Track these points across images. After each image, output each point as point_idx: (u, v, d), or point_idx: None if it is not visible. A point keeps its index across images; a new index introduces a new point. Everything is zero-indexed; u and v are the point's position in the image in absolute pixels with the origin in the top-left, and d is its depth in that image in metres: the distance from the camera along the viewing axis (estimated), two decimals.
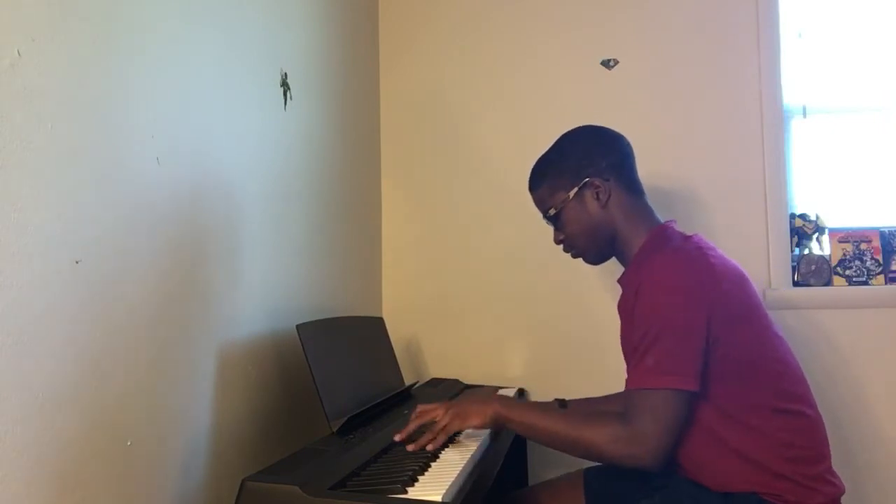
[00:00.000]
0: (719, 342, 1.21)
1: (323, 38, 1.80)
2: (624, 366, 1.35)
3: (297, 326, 1.33)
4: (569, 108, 2.08)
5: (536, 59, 2.12)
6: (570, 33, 2.11)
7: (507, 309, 2.10)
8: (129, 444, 1.03)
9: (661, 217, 1.44)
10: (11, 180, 0.82)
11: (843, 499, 1.27)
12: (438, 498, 0.98)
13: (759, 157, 1.99)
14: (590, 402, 1.65)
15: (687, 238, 1.36)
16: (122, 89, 1.02)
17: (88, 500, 0.94)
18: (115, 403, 1.00)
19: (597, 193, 1.39)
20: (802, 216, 2.01)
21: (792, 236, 1.99)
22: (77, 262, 0.92)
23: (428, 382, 1.98)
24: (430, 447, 1.23)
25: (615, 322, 1.44)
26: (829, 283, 1.96)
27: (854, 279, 1.96)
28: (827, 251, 1.99)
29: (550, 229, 1.49)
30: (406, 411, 1.46)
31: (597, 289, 2.02)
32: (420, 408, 1.33)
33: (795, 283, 1.98)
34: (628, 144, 1.46)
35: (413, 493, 1.01)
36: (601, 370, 1.91)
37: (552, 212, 1.44)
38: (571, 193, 1.41)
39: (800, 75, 2.05)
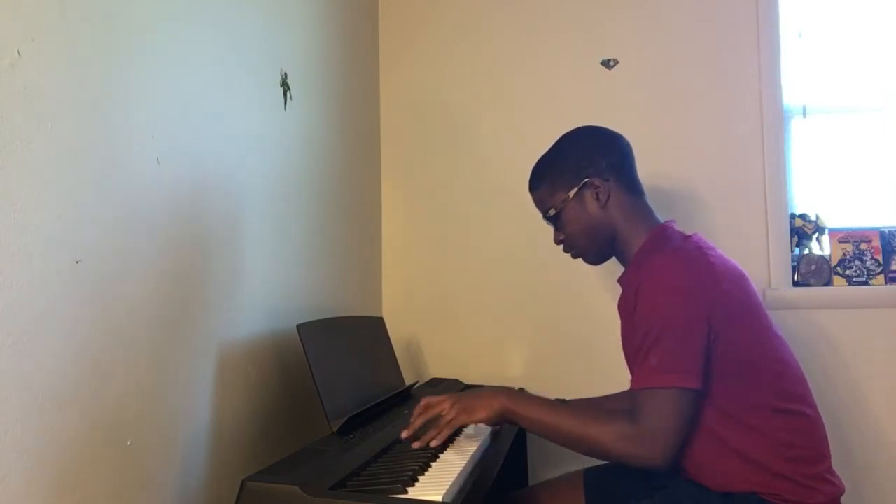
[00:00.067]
0: (719, 339, 1.21)
1: (323, 38, 1.80)
2: (624, 365, 1.35)
3: (298, 326, 1.33)
4: (569, 108, 2.08)
5: (536, 59, 2.12)
6: (570, 33, 2.11)
7: (507, 309, 2.10)
8: (129, 444, 1.03)
9: (661, 217, 1.44)
10: (11, 180, 0.82)
11: (843, 499, 1.27)
12: (439, 498, 0.98)
13: (759, 157, 1.99)
14: (590, 402, 1.65)
15: (687, 238, 1.36)
16: (122, 89, 1.02)
17: (88, 500, 0.94)
18: (115, 403, 1.00)
19: (596, 193, 1.40)
20: (802, 216, 2.01)
21: (792, 236, 1.99)
22: (77, 262, 0.93)
23: (428, 382, 1.98)
24: (434, 443, 1.23)
25: (615, 322, 1.44)
26: (829, 283, 1.96)
27: (854, 279, 1.96)
28: (827, 251, 1.99)
29: (550, 229, 1.49)
30: (406, 411, 1.46)
31: (597, 289, 2.02)
32: (425, 400, 1.32)
33: (795, 283, 1.98)
34: (628, 144, 1.46)
35: (413, 493, 1.01)
36: (601, 370, 1.91)
37: (552, 212, 1.44)
38: (571, 193, 1.41)
39: (800, 75, 2.05)
